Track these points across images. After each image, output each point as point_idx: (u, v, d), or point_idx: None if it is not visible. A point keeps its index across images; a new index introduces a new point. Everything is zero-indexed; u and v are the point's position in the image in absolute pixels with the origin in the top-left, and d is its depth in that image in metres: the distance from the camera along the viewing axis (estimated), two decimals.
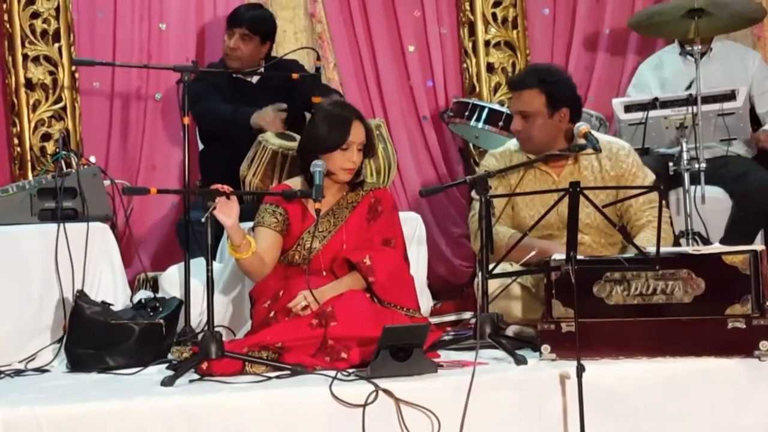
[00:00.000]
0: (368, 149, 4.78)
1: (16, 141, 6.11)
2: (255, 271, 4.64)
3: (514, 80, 5.31)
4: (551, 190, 4.78)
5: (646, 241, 4.73)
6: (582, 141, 4.98)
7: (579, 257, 4.16)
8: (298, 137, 5.35)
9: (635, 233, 4.94)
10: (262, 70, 5.90)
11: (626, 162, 5.10)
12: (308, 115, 5.49)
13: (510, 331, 4.82)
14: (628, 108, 6.02)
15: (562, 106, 5.04)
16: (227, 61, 5.93)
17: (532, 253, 4.89)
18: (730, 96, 5.89)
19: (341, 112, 4.76)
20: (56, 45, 6.13)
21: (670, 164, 5.86)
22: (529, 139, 5.06)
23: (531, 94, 5.02)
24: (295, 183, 4.80)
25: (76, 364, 4.60)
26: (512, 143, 5.23)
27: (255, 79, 5.99)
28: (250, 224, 4.75)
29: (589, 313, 4.26)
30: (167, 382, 4.06)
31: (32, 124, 6.09)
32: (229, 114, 5.71)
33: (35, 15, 6.10)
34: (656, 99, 5.97)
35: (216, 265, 4.77)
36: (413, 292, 4.72)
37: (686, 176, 5.76)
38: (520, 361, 4.27)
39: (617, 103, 6.09)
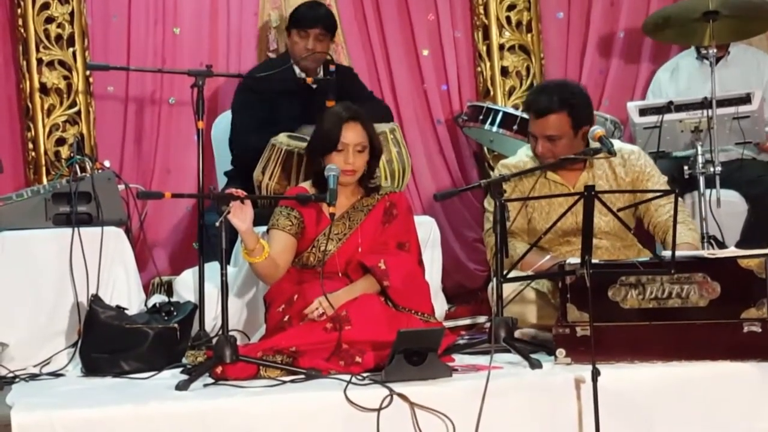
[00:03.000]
0: (372, 152, 4.73)
1: (30, 145, 6.11)
2: (268, 275, 4.63)
3: (538, 106, 4.99)
4: (566, 194, 4.77)
5: (686, 237, 4.86)
6: (596, 144, 4.97)
7: (594, 261, 4.15)
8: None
9: (664, 230, 4.94)
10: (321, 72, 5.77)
11: (638, 164, 5.09)
12: None
13: (524, 335, 4.81)
14: (643, 111, 5.99)
15: (585, 124, 5.01)
16: (302, 62, 5.78)
17: (547, 257, 4.88)
18: (746, 99, 5.86)
19: (338, 112, 4.71)
20: (70, 49, 6.12)
21: (685, 167, 5.84)
22: (554, 159, 4.99)
23: (558, 117, 4.95)
24: (309, 186, 4.78)
25: (90, 369, 4.61)
26: (524, 153, 5.19)
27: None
28: (265, 228, 4.74)
29: (604, 317, 4.25)
30: (182, 387, 4.07)
31: (47, 129, 6.09)
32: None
33: (50, 20, 6.10)
34: (671, 102, 5.94)
35: (230, 269, 4.77)
36: (428, 296, 4.71)
37: (701, 180, 5.75)
38: (535, 365, 4.26)
39: (632, 106, 6.07)
